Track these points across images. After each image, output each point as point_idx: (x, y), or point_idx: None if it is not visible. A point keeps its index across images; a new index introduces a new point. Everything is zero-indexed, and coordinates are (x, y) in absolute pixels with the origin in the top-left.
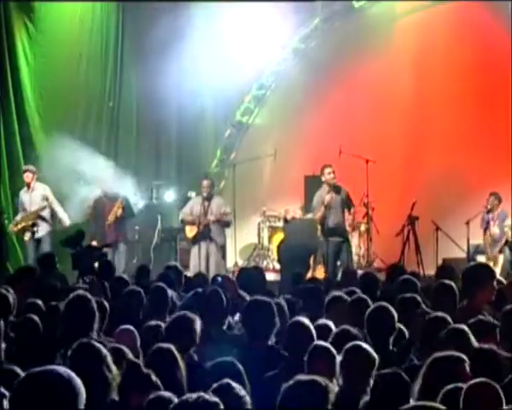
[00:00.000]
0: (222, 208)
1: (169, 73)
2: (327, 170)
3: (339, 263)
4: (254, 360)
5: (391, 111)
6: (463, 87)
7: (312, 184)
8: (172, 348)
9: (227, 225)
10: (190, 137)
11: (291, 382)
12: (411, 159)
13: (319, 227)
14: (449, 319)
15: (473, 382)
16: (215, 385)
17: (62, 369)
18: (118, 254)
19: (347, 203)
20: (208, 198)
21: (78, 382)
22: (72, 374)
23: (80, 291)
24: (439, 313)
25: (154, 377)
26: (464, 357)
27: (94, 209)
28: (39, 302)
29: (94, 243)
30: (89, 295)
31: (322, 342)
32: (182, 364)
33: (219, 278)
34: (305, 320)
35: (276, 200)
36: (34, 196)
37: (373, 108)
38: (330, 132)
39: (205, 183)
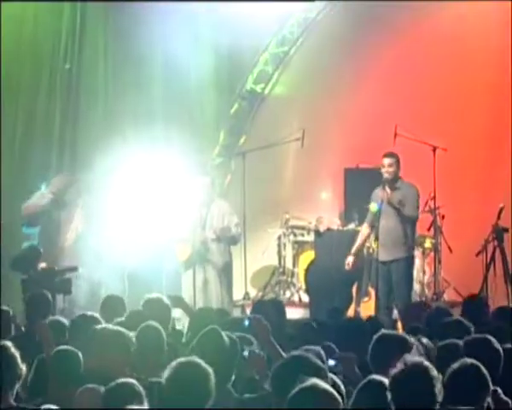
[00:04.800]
0: (226, 218)
1: (154, 22)
2: (385, 160)
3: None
4: None
5: (471, 79)
6: None
7: (355, 180)
8: None
9: (233, 241)
10: (182, 113)
11: None
12: (498, 146)
13: (368, 242)
14: None
15: None
16: None
17: None
18: (77, 280)
19: (408, 208)
20: (207, 203)
21: None
22: None
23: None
24: None
25: None
26: None
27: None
28: None
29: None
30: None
31: None
32: None
33: (247, 321)
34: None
35: (304, 203)
36: None
37: (444, 74)
38: (381, 107)
39: (202, 181)
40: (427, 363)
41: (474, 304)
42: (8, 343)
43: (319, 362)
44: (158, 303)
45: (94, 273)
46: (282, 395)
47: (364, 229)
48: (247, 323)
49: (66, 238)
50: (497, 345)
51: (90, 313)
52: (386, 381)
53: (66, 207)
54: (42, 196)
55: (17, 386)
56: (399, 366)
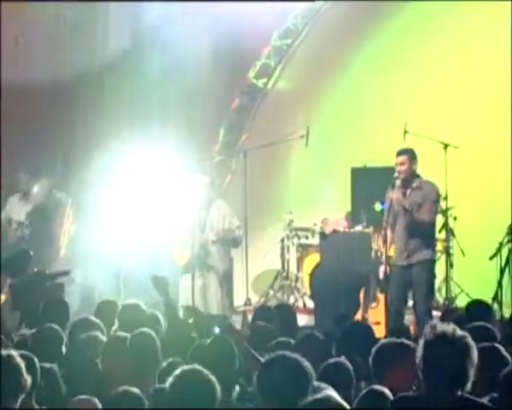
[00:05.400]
0: (226, 219)
1: (152, 15)
2: (397, 158)
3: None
4: None
5: (485, 74)
6: None
7: (363, 180)
8: None
9: (235, 243)
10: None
11: None
12: None
13: (376, 245)
14: None
15: None
16: None
17: None
18: (71, 285)
19: (423, 211)
20: (206, 204)
21: None
22: None
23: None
24: None
25: None
26: None
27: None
28: None
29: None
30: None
31: None
32: None
33: (217, 329)
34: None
35: (309, 204)
36: None
37: (456, 70)
38: (390, 103)
39: (201, 180)
40: None
41: (479, 309)
42: (14, 353)
43: (306, 365)
44: (135, 309)
45: (87, 276)
46: (267, 396)
47: (389, 233)
48: (217, 331)
49: (60, 243)
50: (505, 353)
51: (92, 318)
52: (386, 391)
53: (57, 211)
54: (18, 204)
55: (21, 398)
56: None
